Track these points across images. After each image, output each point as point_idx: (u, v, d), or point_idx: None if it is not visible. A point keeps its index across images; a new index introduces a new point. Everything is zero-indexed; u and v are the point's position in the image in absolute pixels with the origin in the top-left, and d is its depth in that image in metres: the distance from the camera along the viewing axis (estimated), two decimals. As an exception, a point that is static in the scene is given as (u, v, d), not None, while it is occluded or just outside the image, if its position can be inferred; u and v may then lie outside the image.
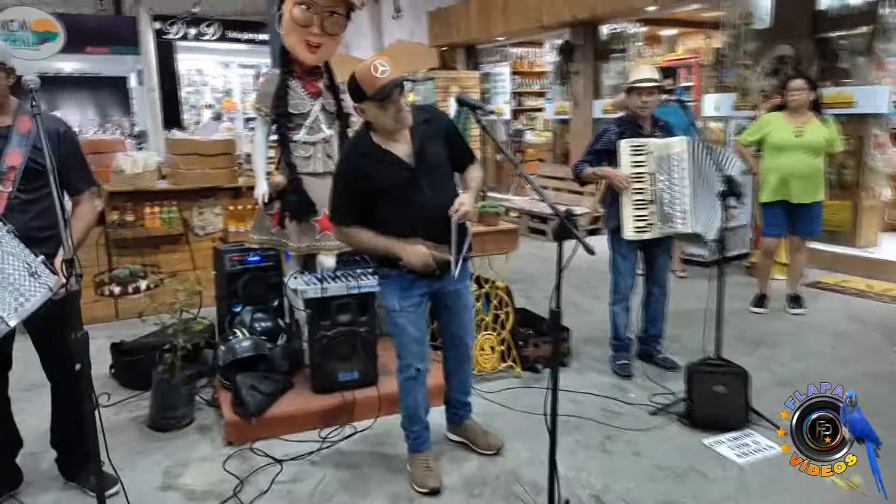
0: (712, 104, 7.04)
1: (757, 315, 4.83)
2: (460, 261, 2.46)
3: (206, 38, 9.14)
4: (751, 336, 4.40)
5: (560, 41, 8.89)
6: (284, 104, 3.37)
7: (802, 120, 4.51)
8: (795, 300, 4.84)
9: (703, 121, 7.49)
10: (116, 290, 3.89)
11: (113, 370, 3.68)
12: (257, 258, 3.77)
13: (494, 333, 3.69)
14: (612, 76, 8.72)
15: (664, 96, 3.53)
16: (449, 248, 2.44)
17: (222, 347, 3.25)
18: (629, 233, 3.55)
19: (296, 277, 3.29)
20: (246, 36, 9.44)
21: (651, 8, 7.33)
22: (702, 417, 3.10)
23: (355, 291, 3.17)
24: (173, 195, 4.92)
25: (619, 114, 3.88)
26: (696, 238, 3.63)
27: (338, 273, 3.30)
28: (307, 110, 3.41)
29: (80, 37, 8.36)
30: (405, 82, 2.38)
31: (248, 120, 10.06)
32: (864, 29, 5.76)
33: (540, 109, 10.83)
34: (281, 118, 3.37)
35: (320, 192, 3.44)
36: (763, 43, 6.31)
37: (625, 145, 3.54)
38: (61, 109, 12.35)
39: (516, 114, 11.10)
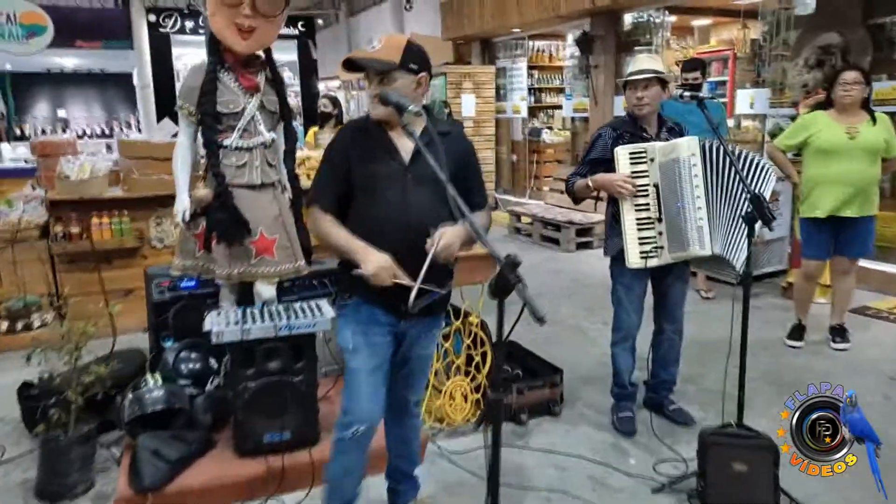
0: (746, 100, 6.28)
1: (793, 349, 4.11)
2: (422, 295, 1.87)
3: (205, 31, 8.68)
4: (785, 379, 3.68)
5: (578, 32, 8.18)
6: (212, 101, 2.78)
7: (854, 119, 3.77)
8: (839, 332, 4.10)
9: (738, 119, 6.74)
10: (3, 326, 3.32)
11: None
12: (192, 283, 3.21)
13: (467, 379, 3.06)
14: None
15: (687, 93, 2.87)
16: (415, 278, 1.87)
17: (129, 397, 2.69)
18: (633, 260, 2.89)
19: (219, 313, 2.71)
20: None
21: (678, -7, 6.58)
22: (718, 502, 2.43)
23: (286, 333, 2.57)
24: (126, 204, 4.40)
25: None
26: (719, 260, 2.96)
27: (268, 308, 2.71)
28: (240, 108, 2.83)
29: (69, 30, 7.94)
30: (394, 71, 1.91)
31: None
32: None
33: (559, 107, 10.11)
34: (207, 118, 2.79)
35: (257, 207, 2.87)
36: (806, 31, 5.53)
37: (622, 152, 2.89)
38: (67, 107, 12.10)
39: (534, 111, 10.40)
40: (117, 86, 11.82)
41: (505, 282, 1.43)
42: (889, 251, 5.20)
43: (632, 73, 2.98)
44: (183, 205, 2.81)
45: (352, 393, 2.05)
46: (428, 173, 1.88)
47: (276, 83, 2.98)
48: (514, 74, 10.05)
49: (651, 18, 7.51)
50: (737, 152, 2.80)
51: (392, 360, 2.12)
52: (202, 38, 8.95)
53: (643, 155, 2.90)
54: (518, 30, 9.28)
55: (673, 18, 8.66)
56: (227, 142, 2.82)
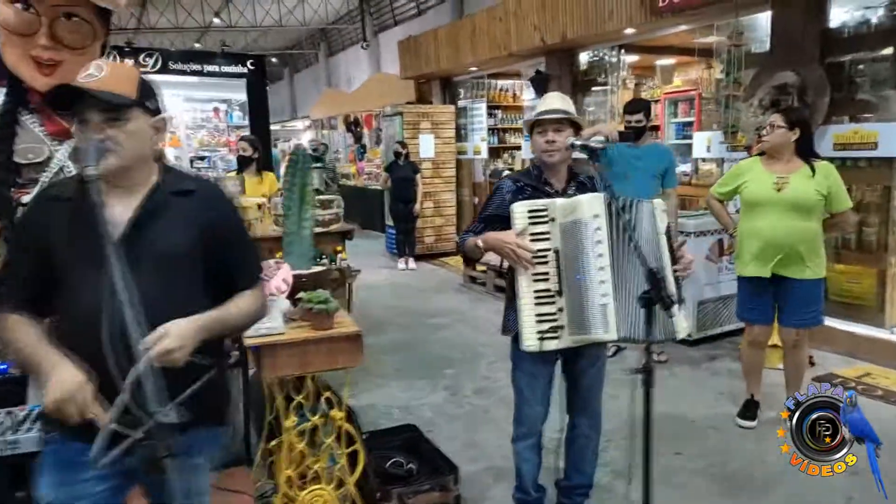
0: (704, 143, 5.86)
1: (744, 430, 3.56)
2: (124, 437, 1.26)
3: (146, 70, 8.31)
4: (732, 472, 3.13)
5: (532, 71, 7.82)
6: (6, 150, 2.27)
7: (788, 168, 3.31)
8: (798, 411, 3.56)
9: (696, 163, 6.33)
10: None
11: None
12: (2, 367, 2.64)
13: (330, 486, 2.48)
14: (594, 111, 7.61)
15: (578, 142, 2.40)
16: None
17: None
18: (528, 341, 2.36)
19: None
20: (192, 67, 8.61)
21: (629, 31, 6.21)
22: None
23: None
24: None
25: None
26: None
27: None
28: (44, 158, 2.32)
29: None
30: (132, 109, 1.45)
31: (199, 158, 9.12)
32: (889, 51, 4.56)
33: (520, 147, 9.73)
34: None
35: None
36: (762, 70, 5.13)
37: (519, 210, 2.39)
38: None
39: (497, 152, 9.99)
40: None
41: (151, 453, 0.90)
42: (857, 309, 4.71)
43: (541, 113, 2.51)
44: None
45: None
46: (158, 248, 1.40)
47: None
48: (475, 114, 9.67)
49: (607, 57, 7.14)
50: (637, 212, 2.28)
51: None
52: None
53: (544, 214, 2.39)
54: (475, 68, 8.94)
55: (635, 58, 8.36)
56: (26, 199, 2.30)
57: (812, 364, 4.45)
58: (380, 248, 10.03)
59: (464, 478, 3.06)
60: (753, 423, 3.57)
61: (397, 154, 8.62)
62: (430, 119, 9.50)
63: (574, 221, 2.30)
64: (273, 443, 2.48)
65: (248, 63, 8.80)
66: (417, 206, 8.71)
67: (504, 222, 2.47)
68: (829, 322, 4.66)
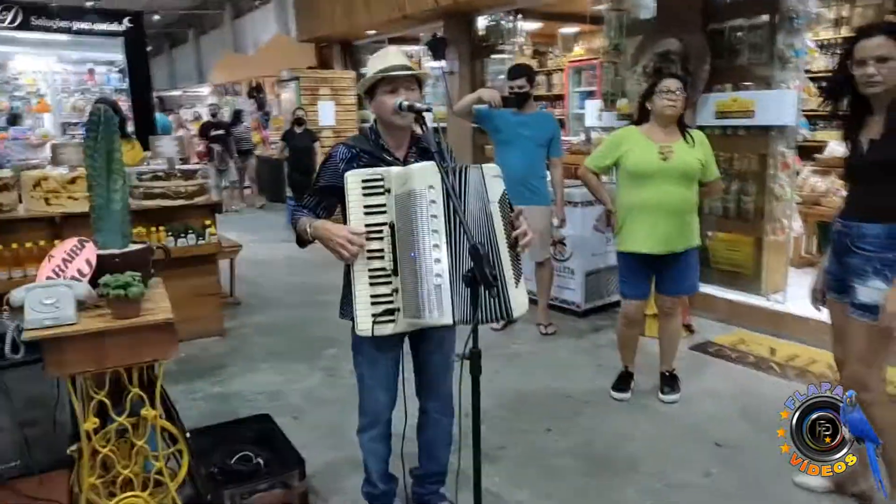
0: (595, 111, 5.78)
1: (617, 403, 3.51)
2: None
3: (3, 25, 7.44)
4: (598, 447, 3.05)
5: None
6: None
7: (670, 137, 3.22)
8: (669, 381, 3.54)
9: (588, 132, 6.27)
10: None
11: None
12: None
13: (145, 493, 2.20)
14: (494, 77, 7.43)
15: (406, 103, 2.18)
16: None
17: None
18: (361, 325, 2.13)
19: None
20: (58, 24, 7.77)
21: (521, -6, 6.02)
22: None
23: None
24: None
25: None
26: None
27: None
28: None
29: None
30: None
31: (72, 124, 8.34)
32: (765, 18, 4.55)
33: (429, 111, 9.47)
34: None
35: None
36: (646, 37, 5.06)
37: (352, 180, 2.13)
38: None
39: (402, 120, 9.70)
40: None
41: None
42: (735, 276, 4.77)
43: (390, 69, 2.22)
44: None
45: None
46: None
47: None
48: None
49: (502, 23, 6.94)
50: (465, 180, 2.07)
51: None
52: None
53: (379, 184, 2.15)
54: (373, 31, 8.56)
55: (537, 25, 8.22)
56: None
57: (692, 332, 4.48)
58: (284, 220, 9.59)
59: (320, 469, 2.88)
60: (626, 395, 3.52)
61: (298, 121, 8.20)
62: (330, 85, 9.08)
63: (408, 192, 2.07)
64: (72, 448, 2.17)
65: (126, 20, 8.07)
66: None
67: (339, 194, 2.21)
68: (710, 290, 4.73)
